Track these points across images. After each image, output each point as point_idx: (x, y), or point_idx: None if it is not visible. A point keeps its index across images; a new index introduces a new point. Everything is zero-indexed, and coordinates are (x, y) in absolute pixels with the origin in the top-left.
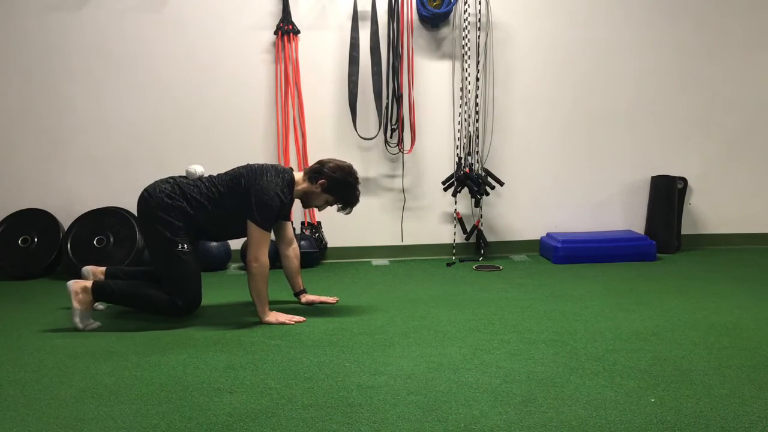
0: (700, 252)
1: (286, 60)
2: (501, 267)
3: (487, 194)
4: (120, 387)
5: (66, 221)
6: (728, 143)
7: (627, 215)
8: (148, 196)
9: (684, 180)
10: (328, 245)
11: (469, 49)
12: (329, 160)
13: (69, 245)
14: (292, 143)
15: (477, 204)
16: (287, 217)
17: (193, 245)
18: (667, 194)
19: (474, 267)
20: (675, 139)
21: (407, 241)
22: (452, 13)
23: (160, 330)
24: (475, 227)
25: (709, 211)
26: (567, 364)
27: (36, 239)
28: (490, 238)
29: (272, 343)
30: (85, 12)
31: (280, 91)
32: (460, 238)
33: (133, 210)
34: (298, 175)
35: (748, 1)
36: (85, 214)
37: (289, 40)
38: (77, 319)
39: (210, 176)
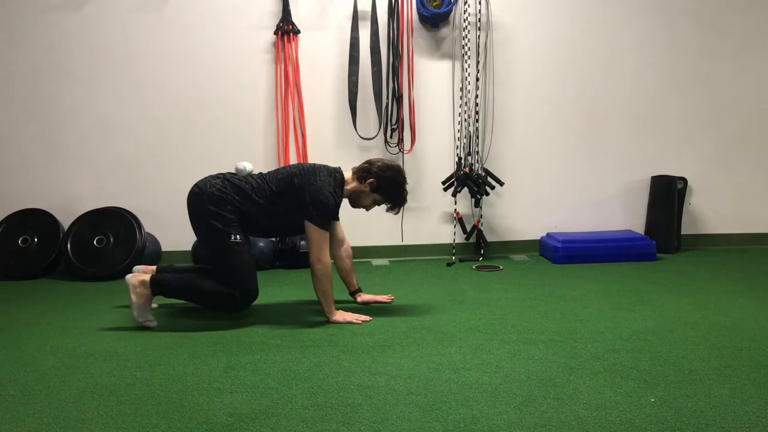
0: (700, 252)
1: (286, 60)
2: (501, 267)
3: (487, 194)
4: (120, 387)
5: (66, 221)
6: (728, 143)
7: (627, 215)
8: (198, 191)
9: (684, 180)
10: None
11: (469, 49)
12: (377, 160)
13: (69, 245)
14: (292, 143)
15: (477, 204)
16: (336, 216)
17: (245, 234)
18: (667, 194)
19: (474, 267)
20: (675, 139)
21: (407, 241)
22: (452, 13)
23: (160, 330)
24: (475, 227)
25: (709, 211)
26: (567, 364)
27: (36, 239)
28: (490, 238)
29: (272, 343)
30: (85, 12)
31: (280, 91)
32: (460, 238)
33: (133, 210)
34: (347, 175)
35: (747, 1)
36: (85, 214)
37: (289, 40)
38: (136, 313)
39: (260, 173)
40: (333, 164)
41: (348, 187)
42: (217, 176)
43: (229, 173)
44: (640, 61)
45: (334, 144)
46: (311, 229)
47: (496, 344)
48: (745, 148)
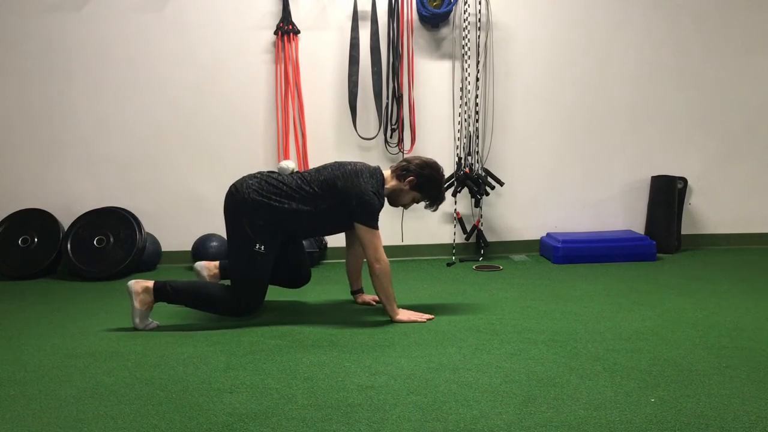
0: (700, 252)
1: (286, 60)
2: (501, 267)
3: (487, 194)
4: (120, 387)
5: (66, 221)
6: (728, 143)
7: (627, 215)
8: (235, 191)
9: (684, 180)
10: (328, 245)
11: (469, 49)
12: (415, 158)
13: (69, 245)
14: (292, 143)
15: (477, 204)
16: None
17: (275, 243)
18: (667, 194)
19: (474, 267)
20: (675, 139)
21: (407, 241)
22: (452, 13)
23: (160, 330)
24: (475, 227)
25: (709, 211)
26: (567, 364)
27: (36, 239)
28: (490, 238)
29: (272, 343)
30: (85, 12)
31: (280, 91)
32: (460, 238)
33: (133, 210)
34: (386, 173)
35: (748, 0)
36: (85, 214)
37: (289, 40)
38: (137, 319)
39: (299, 173)
40: None
41: (388, 186)
42: (254, 176)
43: (268, 172)
44: (640, 61)
45: (334, 144)
46: (363, 231)
47: (496, 344)
48: (745, 148)
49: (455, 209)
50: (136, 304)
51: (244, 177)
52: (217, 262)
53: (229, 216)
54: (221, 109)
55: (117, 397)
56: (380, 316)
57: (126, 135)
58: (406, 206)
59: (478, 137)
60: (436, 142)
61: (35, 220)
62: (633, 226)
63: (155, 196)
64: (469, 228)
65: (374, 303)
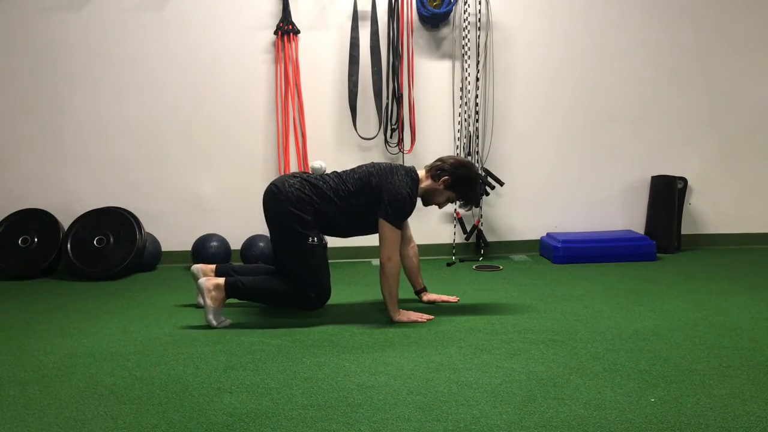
0: (700, 252)
1: (286, 60)
2: (501, 267)
3: (487, 194)
4: (120, 387)
5: (66, 221)
6: (728, 143)
7: (627, 215)
8: (276, 191)
9: (684, 180)
10: (328, 245)
11: (469, 49)
12: (449, 157)
13: (69, 245)
14: (292, 143)
15: (477, 204)
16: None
17: (323, 236)
18: (667, 194)
19: (474, 267)
20: (675, 139)
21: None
22: (452, 13)
23: (160, 330)
24: (475, 227)
25: (709, 211)
26: (567, 364)
27: (36, 239)
28: (490, 238)
29: (272, 343)
30: (85, 12)
31: (280, 91)
32: (460, 238)
33: (133, 210)
34: (421, 173)
35: (748, 1)
36: (85, 214)
37: (289, 40)
38: (211, 317)
39: (335, 173)
40: (333, 164)
41: (422, 185)
42: (294, 175)
43: (305, 172)
44: (640, 61)
45: (334, 144)
46: (386, 227)
47: (496, 344)
48: (745, 148)
49: (455, 209)
50: (209, 302)
51: (282, 177)
52: (213, 266)
53: (273, 216)
54: (221, 109)
55: (117, 397)
56: (380, 316)
57: (126, 135)
58: (440, 205)
59: (478, 137)
60: (436, 142)
61: (35, 220)
62: (633, 226)
63: (155, 196)
64: (469, 228)
65: (441, 301)
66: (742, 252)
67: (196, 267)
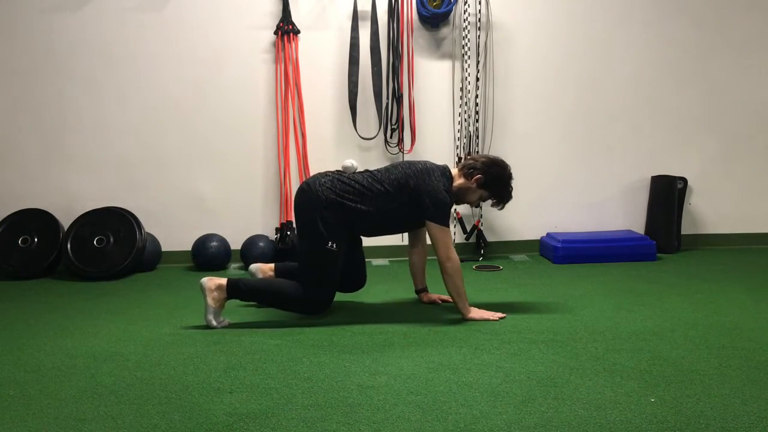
0: (700, 252)
1: (286, 60)
2: (501, 267)
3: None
4: (120, 387)
5: (66, 221)
6: (728, 143)
7: (627, 215)
8: (308, 189)
9: (684, 180)
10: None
11: (469, 49)
12: (481, 156)
13: (69, 245)
14: (292, 143)
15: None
16: None
17: (345, 242)
18: (667, 194)
19: (474, 267)
20: (675, 139)
21: (407, 241)
22: (452, 13)
23: (160, 330)
24: (475, 227)
25: (709, 211)
26: (567, 364)
27: (36, 239)
28: (490, 238)
29: (272, 343)
30: (85, 12)
31: (280, 91)
32: (460, 238)
33: (133, 210)
34: (453, 172)
35: (748, 0)
36: (85, 214)
37: (289, 40)
38: (211, 317)
39: (368, 171)
40: (333, 164)
41: (455, 184)
42: (326, 174)
43: (337, 171)
44: (640, 61)
45: (334, 144)
46: (435, 228)
47: (496, 344)
48: (745, 148)
49: (455, 209)
50: (210, 302)
51: (315, 175)
52: (272, 265)
53: (302, 213)
54: (221, 108)
55: (117, 397)
56: (380, 316)
57: (126, 135)
58: (473, 204)
59: (478, 137)
60: (436, 142)
61: (35, 220)
62: (633, 226)
63: (155, 195)
64: (469, 228)
65: (440, 301)
66: (742, 252)
67: (255, 266)
